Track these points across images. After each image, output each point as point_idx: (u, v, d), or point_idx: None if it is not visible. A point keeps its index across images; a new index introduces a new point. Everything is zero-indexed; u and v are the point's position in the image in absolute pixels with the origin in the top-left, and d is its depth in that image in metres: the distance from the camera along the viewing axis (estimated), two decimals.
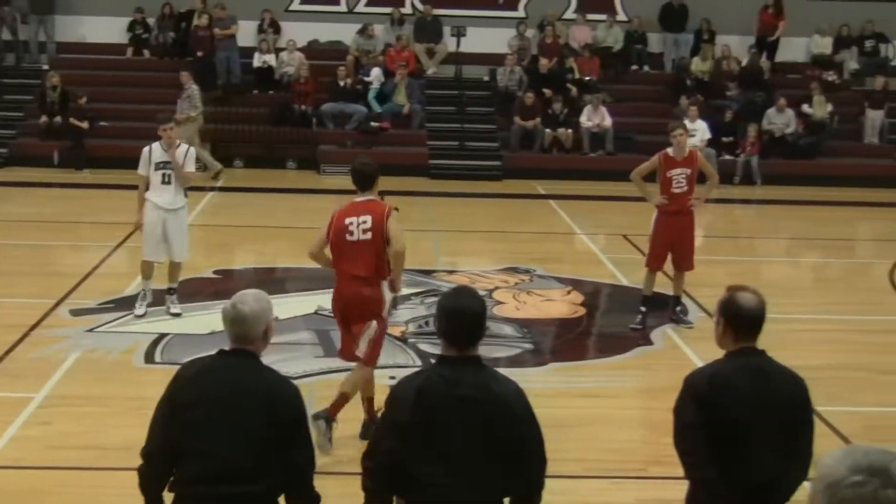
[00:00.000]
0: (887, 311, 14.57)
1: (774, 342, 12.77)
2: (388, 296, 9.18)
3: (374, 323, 9.04)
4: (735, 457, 5.33)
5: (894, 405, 10.92)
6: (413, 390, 5.07)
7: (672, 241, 13.03)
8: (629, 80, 28.50)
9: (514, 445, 5.05)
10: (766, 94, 27.08)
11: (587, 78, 27.41)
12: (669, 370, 10.56)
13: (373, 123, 26.25)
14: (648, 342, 12.61)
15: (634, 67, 28.76)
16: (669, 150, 13.01)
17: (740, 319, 5.50)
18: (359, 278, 8.95)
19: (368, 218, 8.91)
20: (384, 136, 26.22)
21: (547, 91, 26.66)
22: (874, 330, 13.63)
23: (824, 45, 28.83)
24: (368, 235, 8.91)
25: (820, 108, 26.61)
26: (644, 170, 13.18)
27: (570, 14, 29.02)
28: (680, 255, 13.13)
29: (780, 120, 26.12)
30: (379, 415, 5.21)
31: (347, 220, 8.96)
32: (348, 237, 8.95)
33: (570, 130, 25.83)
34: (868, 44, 29.06)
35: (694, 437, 5.37)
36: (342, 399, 9.15)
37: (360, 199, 9.07)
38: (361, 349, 9.08)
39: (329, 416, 9.02)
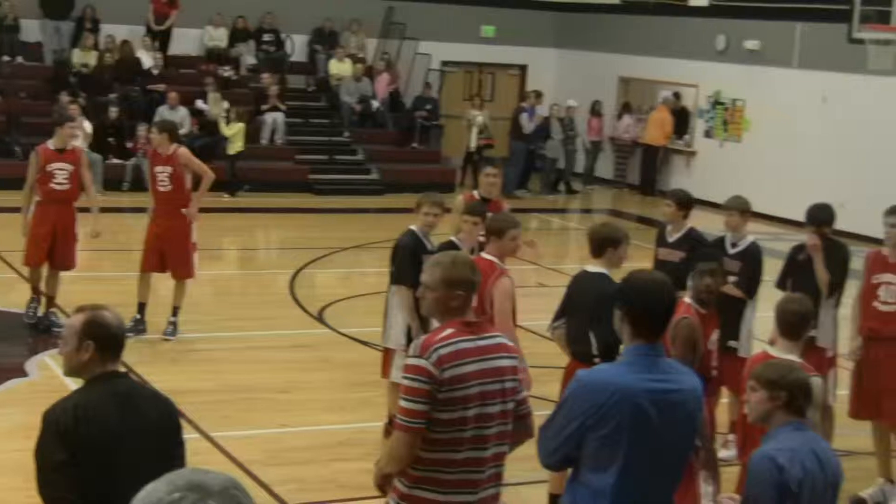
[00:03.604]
0: (288, 325, 15.29)
1: (164, 366, 13.06)
2: None
3: None
4: (107, 489, 5.42)
5: (296, 425, 11.49)
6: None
7: (161, 246, 13.90)
8: (1, 74, 27.90)
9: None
10: (142, 90, 27.31)
11: None
12: (49, 404, 10.48)
13: None
14: (23, 374, 12.50)
15: (7, 59, 28.14)
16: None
17: (109, 340, 5.64)
18: None
19: None
20: None
21: None
22: (275, 346, 14.30)
23: (218, 37, 29.64)
24: None
25: (216, 106, 27.27)
26: None
27: None
28: (173, 260, 13.98)
29: (173, 117, 26.54)
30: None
31: None
32: None
33: None
34: (267, 38, 30.16)
35: (63, 479, 5.42)
36: None
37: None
38: None
39: None
